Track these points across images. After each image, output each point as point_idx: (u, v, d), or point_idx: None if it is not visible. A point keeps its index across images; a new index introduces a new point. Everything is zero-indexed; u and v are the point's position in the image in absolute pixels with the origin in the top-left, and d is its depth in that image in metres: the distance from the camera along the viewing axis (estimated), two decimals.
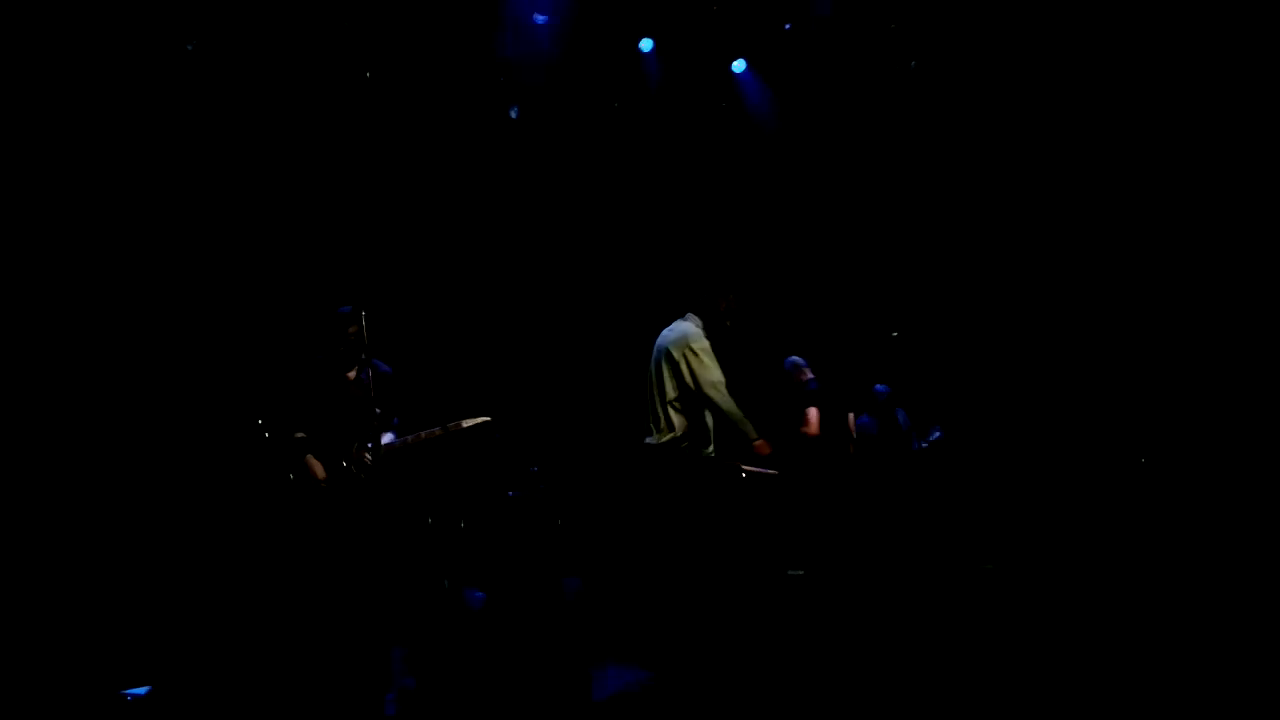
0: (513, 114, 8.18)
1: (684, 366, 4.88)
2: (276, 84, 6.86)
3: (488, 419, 5.14)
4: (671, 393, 4.90)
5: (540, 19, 7.81)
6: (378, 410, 4.93)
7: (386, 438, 5.08)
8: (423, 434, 5.07)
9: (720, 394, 4.84)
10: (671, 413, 4.90)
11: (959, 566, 6.24)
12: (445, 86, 7.62)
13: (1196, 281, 7.37)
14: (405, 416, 5.30)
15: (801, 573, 6.08)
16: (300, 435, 4.85)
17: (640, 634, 5.05)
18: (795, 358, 6.80)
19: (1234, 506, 6.41)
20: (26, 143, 5.79)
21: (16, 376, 5.59)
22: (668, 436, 4.92)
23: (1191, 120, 7.32)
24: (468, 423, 5.10)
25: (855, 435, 7.05)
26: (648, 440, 5.00)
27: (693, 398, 4.90)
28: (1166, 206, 7.51)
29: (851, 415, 7.10)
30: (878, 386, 7.75)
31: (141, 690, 4.32)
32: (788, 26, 7.92)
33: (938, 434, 7.48)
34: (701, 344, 4.93)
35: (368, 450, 4.98)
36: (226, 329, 6.40)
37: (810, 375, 6.70)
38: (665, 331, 5.12)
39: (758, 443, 4.91)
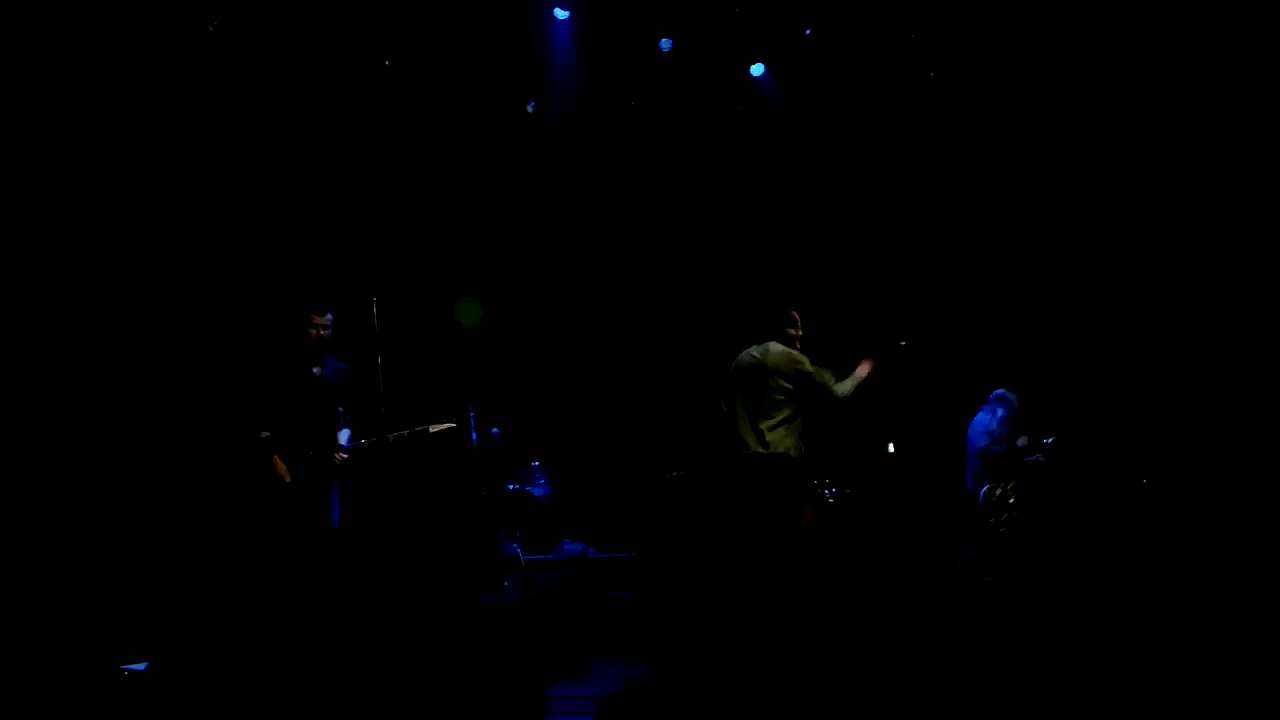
0: (529, 109, 8.22)
1: (798, 385, 5.05)
2: (279, 76, 6.90)
3: (454, 425, 5.23)
4: (775, 411, 5.05)
5: (561, 14, 7.83)
6: (340, 408, 5.06)
7: (344, 434, 5.18)
8: (390, 437, 5.16)
9: (844, 388, 5.09)
10: (775, 430, 5.04)
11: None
12: (458, 78, 7.65)
13: (1222, 285, 7.22)
14: (362, 414, 5.33)
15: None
16: (266, 434, 4.93)
17: (707, 638, 5.05)
18: None
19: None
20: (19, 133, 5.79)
21: None
22: (770, 450, 5.04)
23: (1219, 130, 7.12)
24: (435, 428, 5.20)
25: None
26: (744, 454, 5.09)
27: (799, 414, 5.08)
28: (1188, 210, 7.35)
29: None
30: (1001, 391, 7.15)
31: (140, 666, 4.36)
32: (808, 32, 7.82)
33: (1049, 441, 7.08)
34: (807, 364, 5.10)
35: (341, 450, 5.10)
36: (196, 326, 6.38)
37: None
38: (754, 351, 5.21)
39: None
